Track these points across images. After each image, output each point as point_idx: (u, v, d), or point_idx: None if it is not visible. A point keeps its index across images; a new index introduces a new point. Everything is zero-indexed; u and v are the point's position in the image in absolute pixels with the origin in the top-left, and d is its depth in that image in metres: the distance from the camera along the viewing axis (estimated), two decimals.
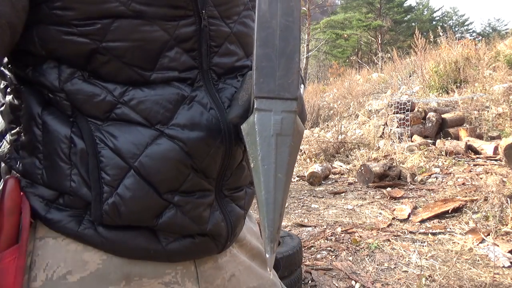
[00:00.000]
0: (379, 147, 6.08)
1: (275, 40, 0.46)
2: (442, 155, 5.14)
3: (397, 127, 6.14)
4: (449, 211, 3.32)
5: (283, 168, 0.44)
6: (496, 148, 4.79)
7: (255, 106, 0.46)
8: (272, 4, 0.47)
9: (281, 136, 0.45)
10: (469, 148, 5.18)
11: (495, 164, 4.46)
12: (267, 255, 0.43)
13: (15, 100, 0.55)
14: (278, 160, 0.44)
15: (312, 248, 2.87)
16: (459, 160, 4.89)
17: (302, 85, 0.69)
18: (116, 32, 0.49)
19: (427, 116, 6.17)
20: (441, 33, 9.73)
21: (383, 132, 6.45)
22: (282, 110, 0.45)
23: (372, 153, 5.82)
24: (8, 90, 0.57)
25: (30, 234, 0.53)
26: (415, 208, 3.62)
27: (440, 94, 8.20)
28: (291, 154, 0.45)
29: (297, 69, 0.47)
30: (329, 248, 2.85)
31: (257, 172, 0.44)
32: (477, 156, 5.00)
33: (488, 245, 2.69)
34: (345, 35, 25.04)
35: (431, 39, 10.58)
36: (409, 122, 6.00)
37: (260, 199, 0.44)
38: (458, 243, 2.78)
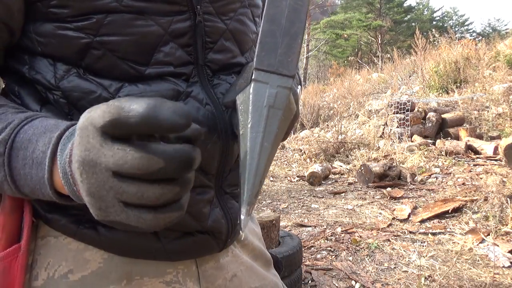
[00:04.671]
0: (379, 147, 6.09)
1: (282, 19, 0.47)
2: (442, 155, 5.15)
3: (397, 127, 6.14)
4: (449, 211, 3.32)
5: (270, 138, 0.45)
6: (496, 148, 4.79)
7: (253, 77, 0.47)
8: None
9: (273, 109, 0.46)
10: (469, 148, 5.19)
11: (495, 164, 4.47)
12: (242, 217, 0.44)
13: (12, 99, 0.55)
14: (267, 130, 0.45)
15: (312, 248, 2.87)
16: (459, 160, 4.89)
17: (299, 86, 0.69)
18: (110, 26, 0.49)
19: (427, 116, 6.17)
20: (439, 34, 9.72)
21: (383, 132, 6.45)
22: (278, 85, 0.46)
23: (372, 153, 5.83)
24: (5, 89, 0.57)
25: (32, 233, 0.53)
26: (415, 208, 3.62)
27: (440, 94, 8.20)
28: (280, 127, 0.46)
29: (298, 49, 0.48)
30: (329, 248, 2.85)
31: (244, 139, 0.45)
32: (477, 156, 5.01)
33: (488, 245, 2.69)
34: (345, 35, 25.04)
35: (432, 39, 10.57)
36: (409, 122, 6.00)
37: (243, 163, 0.44)
38: (458, 243, 2.78)
